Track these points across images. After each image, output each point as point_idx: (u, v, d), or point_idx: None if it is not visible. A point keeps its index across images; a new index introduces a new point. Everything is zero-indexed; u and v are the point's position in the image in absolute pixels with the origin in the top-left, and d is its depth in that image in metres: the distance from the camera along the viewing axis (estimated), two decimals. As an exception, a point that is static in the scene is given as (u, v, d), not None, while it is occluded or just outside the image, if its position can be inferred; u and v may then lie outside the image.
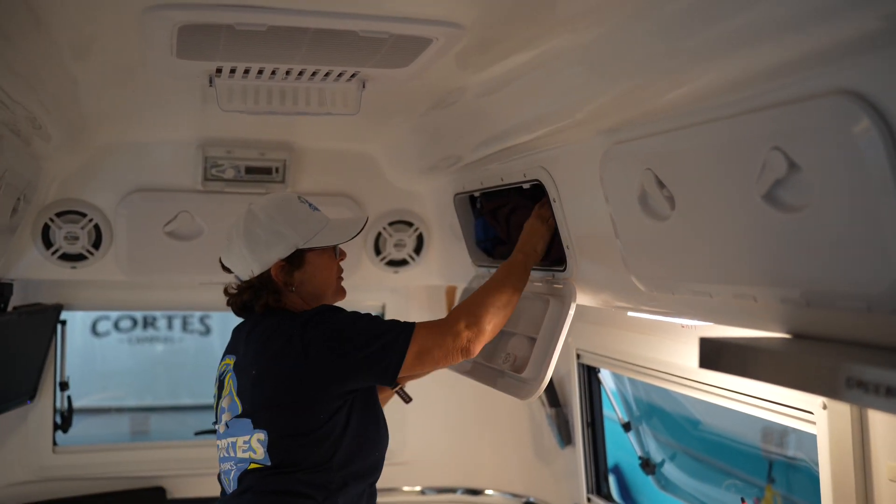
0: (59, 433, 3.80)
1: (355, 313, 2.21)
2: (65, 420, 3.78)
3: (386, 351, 2.13)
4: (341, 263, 2.41)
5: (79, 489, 3.73)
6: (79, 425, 3.88)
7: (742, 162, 1.44)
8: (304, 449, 2.12)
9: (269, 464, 2.12)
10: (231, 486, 2.20)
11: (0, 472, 3.63)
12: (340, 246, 2.40)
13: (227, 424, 2.23)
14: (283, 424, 2.14)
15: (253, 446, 2.15)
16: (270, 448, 2.12)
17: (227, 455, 2.23)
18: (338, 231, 2.33)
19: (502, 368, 2.59)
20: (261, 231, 2.22)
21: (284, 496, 2.12)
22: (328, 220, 2.33)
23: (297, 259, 2.26)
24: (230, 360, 2.31)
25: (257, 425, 2.14)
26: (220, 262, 2.33)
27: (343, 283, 2.43)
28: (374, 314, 2.28)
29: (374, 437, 2.26)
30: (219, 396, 2.32)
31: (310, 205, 2.32)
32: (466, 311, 2.28)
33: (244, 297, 2.29)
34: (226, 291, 2.36)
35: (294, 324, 2.16)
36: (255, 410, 2.16)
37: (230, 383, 2.26)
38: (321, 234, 2.28)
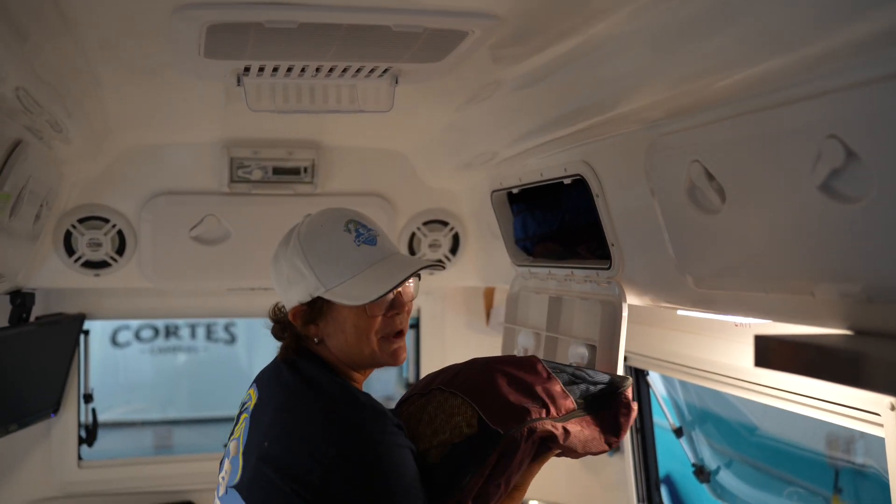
0: (84, 447, 3.89)
1: (398, 470, 1.78)
2: (89, 433, 3.87)
3: None
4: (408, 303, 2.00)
5: (106, 505, 3.83)
6: (101, 440, 3.96)
7: (796, 152, 1.46)
8: None
9: None
10: None
11: (23, 488, 3.73)
12: (402, 291, 1.96)
13: (226, 488, 1.91)
14: None
15: None
16: None
17: None
18: (370, 283, 1.86)
19: None
20: (284, 262, 1.92)
21: None
22: (375, 261, 1.89)
23: (318, 307, 1.90)
24: (253, 394, 2.01)
25: None
26: None
27: (402, 337, 1.98)
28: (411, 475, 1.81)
29: None
30: (231, 430, 2.03)
31: (358, 235, 1.91)
32: None
33: (275, 329, 2.02)
34: (271, 314, 2.07)
35: (332, 436, 1.77)
36: (248, 490, 1.84)
37: (243, 426, 1.95)
38: (349, 283, 1.86)
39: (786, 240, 1.59)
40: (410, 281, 1.99)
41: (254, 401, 1.97)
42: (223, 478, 1.94)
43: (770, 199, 1.59)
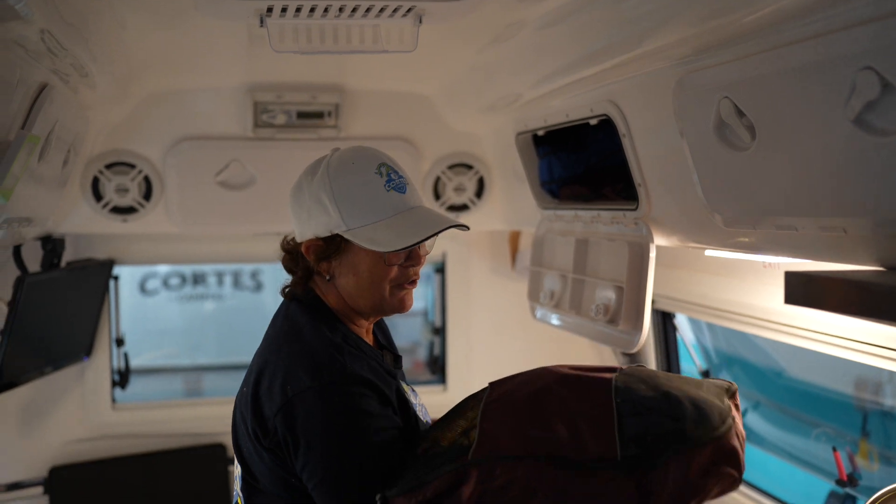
0: (117, 390, 3.97)
1: (355, 432, 1.72)
2: (122, 377, 3.95)
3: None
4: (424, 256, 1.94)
5: (138, 446, 3.92)
6: (132, 385, 4.05)
7: (829, 84, 1.43)
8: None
9: None
10: None
11: (60, 428, 3.82)
12: (422, 246, 1.90)
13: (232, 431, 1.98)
14: (253, 469, 1.84)
15: (237, 477, 1.91)
16: (244, 490, 1.86)
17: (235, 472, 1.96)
18: (397, 230, 1.82)
19: (596, 321, 2.64)
20: (307, 193, 1.86)
21: None
22: (403, 209, 1.85)
23: (335, 244, 1.85)
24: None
25: (237, 453, 1.89)
26: None
27: (413, 286, 1.94)
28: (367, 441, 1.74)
29: None
30: None
31: (389, 180, 1.85)
32: None
33: (285, 261, 1.98)
34: (282, 245, 2.02)
35: (293, 373, 1.75)
36: (236, 436, 1.90)
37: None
38: (372, 227, 1.81)
39: (818, 175, 1.57)
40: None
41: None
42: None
43: (801, 135, 1.57)
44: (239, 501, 1.90)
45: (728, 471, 1.60)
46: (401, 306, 1.92)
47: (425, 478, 1.65)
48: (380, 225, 1.81)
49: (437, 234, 1.84)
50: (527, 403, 1.71)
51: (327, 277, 1.89)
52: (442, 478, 1.64)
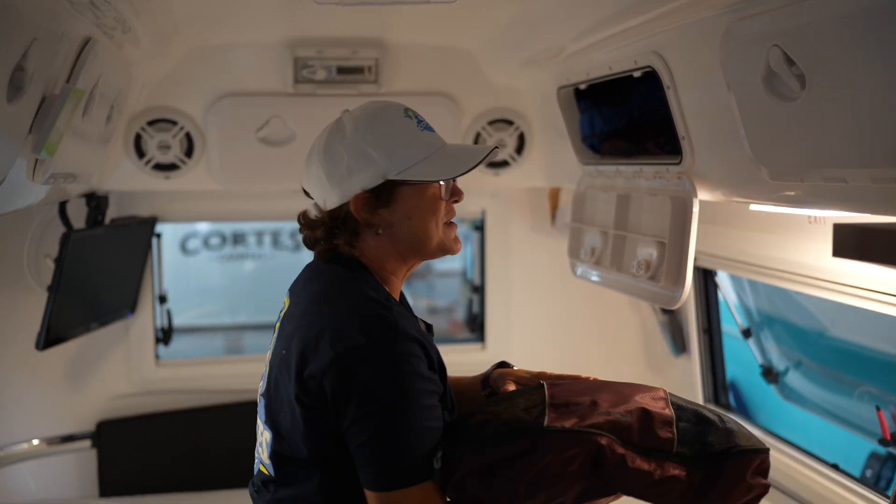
0: (161, 347, 4.04)
1: (405, 387, 1.69)
2: (165, 333, 4.01)
3: (384, 461, 1.68)
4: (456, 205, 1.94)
5: (182, 402, 3.99)
6: (175, 342, 4.11)
7: (885, 29, 1.40)
8: (313, 469, 1.77)
9: (272, 474, 1.83)
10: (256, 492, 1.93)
11: (106, 383, 3.91)
12: (456, 182, 1.91)
13: (258, 397, 1.92)
14: (288, 434, 1.79)
15: (263, 444, 1.86)
16: (273, 456, 1.82)
17: (258, 439, 1.92)
18: (446, 162, 1.85)
19: (637, 278, 2.63)
20: (343, 150, 1.81)
21: None
22: (441, 146, 1.88)
23: (385, 193, 1.81)
24: (286, 303, 1.95)
25: (268, 422, 1.83)
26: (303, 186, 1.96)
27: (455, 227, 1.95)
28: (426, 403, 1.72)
29: None
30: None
31: (419, 122, 1.87)
32: None
33: (317, 234, 1.88)
34: (299, 220, 1.95)
35: (343, 330, 1.71)
36: (270, 402, 1.83)
37: (274, 336, 1.92)
38: (423, 163, 1.82)
39: (870, 125, 1.53)
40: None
41: (285, 308, 1.94)
42: (260, 395, 1.93)
43: (854, 83, 1.53)
44: (262, 469, 1.88)
45: (766, 482, 1.74)
46: (456, 244, 1.92)
47: (492, 442, 1.68)
48: (428, 161, 1.82)
49: (485, 158, 1.86)
50: (590, 389, 1.78)
51: (378, 231, 1.84)
52: (511, 444, 1.67)
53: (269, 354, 1.91)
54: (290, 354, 1.75)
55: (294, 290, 1.94)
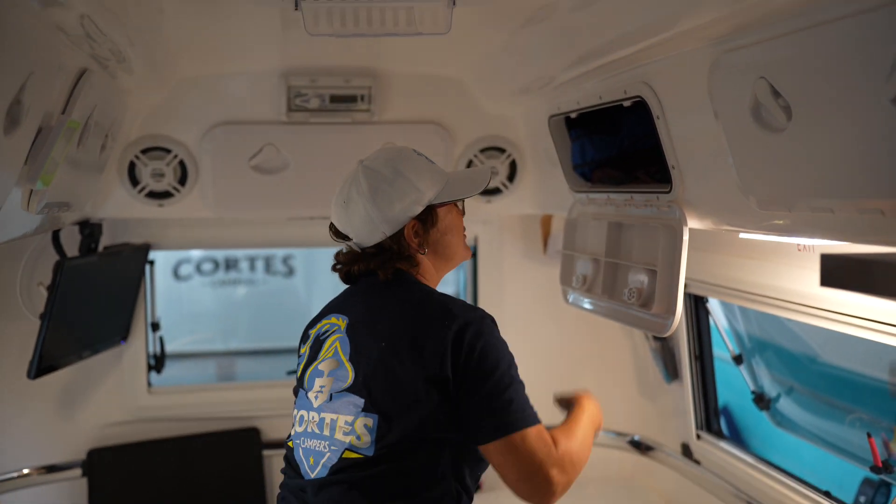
0: (153, 374, 4.03)
1: (510, 355, 2.05)
2: (158, 361, 4.00)
3: (508, 411, 1.96)
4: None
5: (174, 430, 3.97)
6: (167, 369, 4.09)
7: (868, 63, 1.43)
8: (420, 445, 1.97)
9: (370, 454, 1.97)
10: (314, 471, 2.04)
11: (98, 411, 3.88)
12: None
13: (330, 395, 2.06)
14: (399, 414, 1.97)
15: (357, 430, 1.99)
16: (379, 437, 1.97)
17: (316, 432, 2.06)
18: (465, 183, 2.26)
19: (629, 305, 2.65)
20: (388, 187, 2.11)
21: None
22: (446, 173, 2.26)
23: (429, 216, 2.17)
24: (339, 321, 2.15)
25: (369, 408, 1.99)
26: (332, 228, 2.21)
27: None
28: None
29: None
30: (313, 358, 2.15)
31: (426, 157, 2.23)
32: (571, 463, 2.02)
33: (371, 265, 2.16)
34: (338, 257, 2.23)
35: (457, 307, 2.03)
36: (373, 390, 2.00)
37: (336, 346, 2.11)
38: (448, 187, 2.20)
39: (855, 156, 1.56)
40: None
41: (343, 323, 2.13)
42: (320, 391, 2.07)
43: (839, 115, 1.56)
44: (349, 455, 1.99)
45: None
46: (470, 253, 2.35)
47: None
48: (450, 184, 2.21)
49: (490, 175, 2.33)
50: None
51: (424, 250, 2.18)
52: None
53: (330, 363, 2.08)
54: (404, 339, 2.01)
55: (349, 305, 2.18)
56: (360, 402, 1.99)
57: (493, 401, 1.95)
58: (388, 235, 2.13)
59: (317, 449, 2.04)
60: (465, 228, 2.30)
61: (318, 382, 2.08)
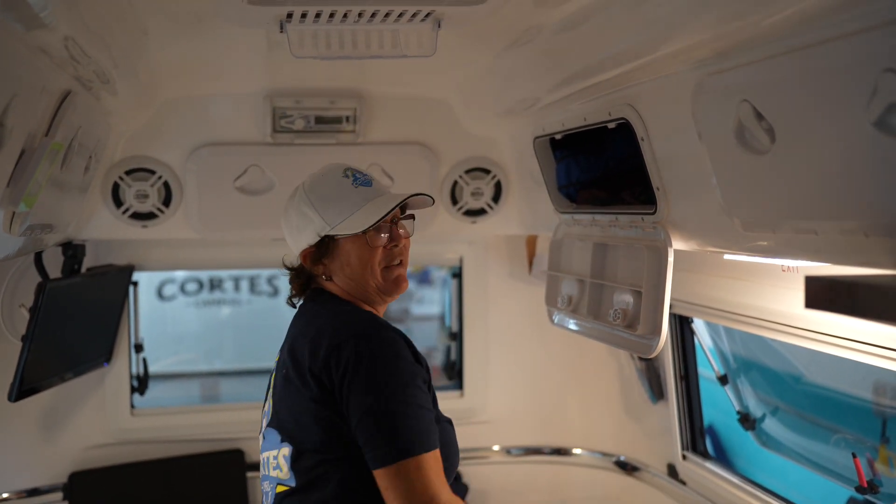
0: (136, 396, 3.99)
1: (405, 374, 1.94)
2: (141, 382, 3.97)
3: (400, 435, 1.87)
4: (411, 238, 2.22)
5: (157, 452, 3.93)
6: (151, 390, 4.06)
7: (850, 87, 1.43)
8: (331, 467, 1.96)
9: (293, 485, 1.99)
10: None
11: (80, 434, 3.85)
12: (405, 222, 2.20)
13: (263, 435, 2.13)
14: (305, 439, 1.99)
15: (280, 463, 2.02)
16: (294, 465, 1.99)
17: (264, 472, 2.11)
18: (371, 213, 2.09)
19: (614, 326, 2.65)
20: (293, 212, 2.15)
21: None
22: (375, 196, 2.12)
23: (325, 246, 2.13)
24: (278, 357, 2.19)
25: (285, 439, 2.02)
26: None
27: (403, 267, 2.19)
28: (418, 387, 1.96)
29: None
30: (265, 398, 2.22)
31: (355, 178, 2.14)
32: None
33: (293, 285, 2.25)
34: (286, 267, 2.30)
35: (337, 327, 2.00)
36: (282, 420, 2.04)
37: (270, 382, 2.19)
38: (351, 218, 2.08)
39: (838, 178, 1.57)
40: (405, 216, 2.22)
41: (279, 357, 2.17)
42: (261, 431, 2.13)
43: (822, 138, 1.57)
44: (280, 489, 2.03)
45: None
46: (396, 285, 2.16)
47: None
48: (357, 215, 2.09)
49: (400, 203, 2.11)
50: None
51: (324, 277, 2.15)
52: None
53: (269, 387, 2.17)
54: (293, 364, 2.00)
55: (288, 332, 2.19)
56: (277, 435, 2.04)
57: (378, 425, 1.87)
58: (295, 256, 2.20)
59: (265, 490, 2.11)
60: (393, 258, 2.15)
61: (263, 424, 2.15)
